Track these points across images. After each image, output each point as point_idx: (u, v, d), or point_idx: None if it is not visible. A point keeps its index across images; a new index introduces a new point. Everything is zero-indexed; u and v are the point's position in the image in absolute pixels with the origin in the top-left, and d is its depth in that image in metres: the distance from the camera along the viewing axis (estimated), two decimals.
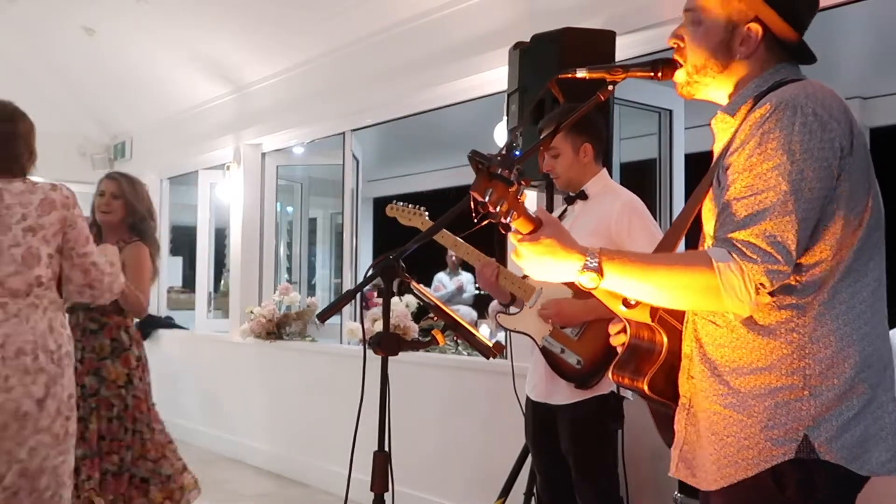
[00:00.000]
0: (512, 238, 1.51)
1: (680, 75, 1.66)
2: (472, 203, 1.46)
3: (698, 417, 1.60)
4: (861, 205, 1.50)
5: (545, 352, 2.89)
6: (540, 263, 1.50)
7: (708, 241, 1.62)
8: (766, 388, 1.49)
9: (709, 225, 1.61)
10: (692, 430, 1.62)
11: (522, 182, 1.43)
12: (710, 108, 1.71)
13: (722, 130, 1.66)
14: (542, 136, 2.94)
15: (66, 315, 2.93)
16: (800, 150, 1.43)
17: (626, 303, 1.61)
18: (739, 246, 1.42)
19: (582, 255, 1.48)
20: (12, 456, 2.58)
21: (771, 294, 1.46)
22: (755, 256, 1.41)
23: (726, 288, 1.42)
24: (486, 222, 1.50)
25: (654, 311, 1.64)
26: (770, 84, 1.57)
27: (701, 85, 1.64)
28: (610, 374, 1.77)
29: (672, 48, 1.69)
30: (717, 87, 1.64)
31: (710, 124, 1.71)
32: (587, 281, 1.48)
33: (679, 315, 1.66)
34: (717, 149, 1.68)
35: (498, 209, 1.43)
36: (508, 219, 1.45)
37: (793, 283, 1.48)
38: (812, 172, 1.43)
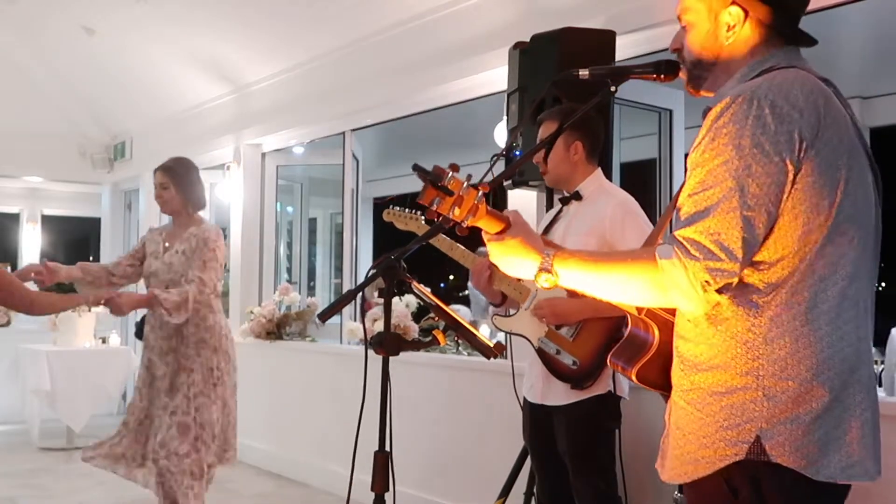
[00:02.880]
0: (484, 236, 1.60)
1: (683, 74, 1.68)
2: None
3: (672, 410, 1.62)
4: (827, 199, 1.44)
5: (541, 353, 2.89)
6: (505, 261, 1.58)
7: None
8: (723, 386, 1.48)
9: None
10: (668, 422, 1.65)
11: (479, 188, 1.51)
12: None
13: None
14: (539, 133, 2.95)
15: None
16: (749, 144, 1.40)
17: None
18: (684, 243, 1.41)
19: (539, 256, 1.54)
20: None
21: (719, 291, 1.43)
22: (697, 254, 1.40)
23: (669, 284, 1.42)
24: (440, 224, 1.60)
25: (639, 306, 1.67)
26: (755, 74, 1.54)
27: (701, 80, 1.65)
28: (608, 360, 1.82)
29: (672, 52, 1.71)
30: (715, 80, 1.63)
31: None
32: (543, 280, 1.53)
33: (672, 309, 1.64)
34: None
35: (451, 213, 1.51)
36: (466, 222, 1.52)
37: (755, 282, 1.45)
38: (761, 168, 1.40)
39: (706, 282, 1.40)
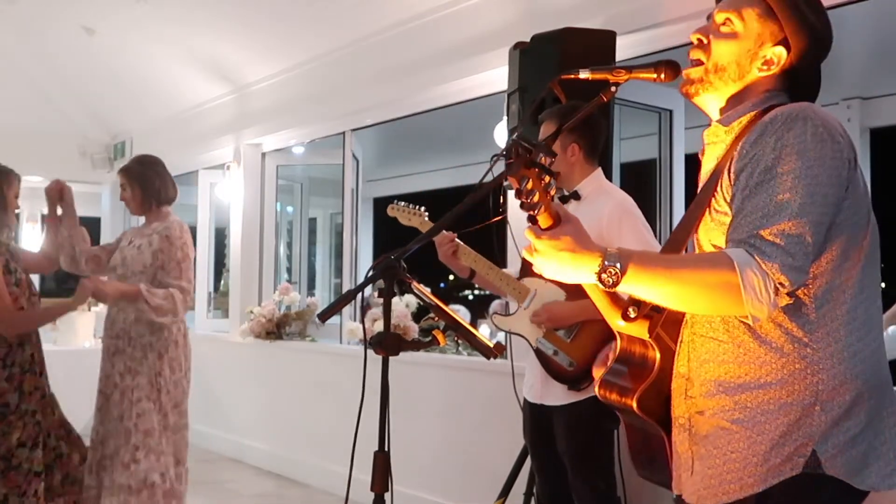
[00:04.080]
0: (528, 234, 1.48)
1: (696, 72, 1.65)
2: (509, 188, 1.44)
3: (699, 436, 1.59)
4: (864, 220, 1.52)
5: (538, 353, 2.91)
6: (557, 261, 1.46)
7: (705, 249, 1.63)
8: (776, 403, 1.48)
9: (705, 236, 1.62)
10: (696, 449, 1.61)
11: (554, 177, 1.41)
12: None
13: (713, 143, 1.67)
14: (540, 133, 2.95)
15: None
16: (814, 156, 1.45)
17: (625, 316, 1.59)
18: (758, 245, 1.42)
19: (601, 253, 1.44)
20: None
21: (789, 295, 1.44)
22: (775, 255, 1.40)
23: (747, 288, 1.40)
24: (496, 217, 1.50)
25: (651, 327, 1.63)
26: (766, 106, 1.59)
27: (712, 87, 1.64)
28: (596, 390, 1.75)
29: (694, 40, 1.67)
30: (720, 95, 1.65)
31: (702, 136, 1.71)
32: (608, 278, 1.43)
33: (674, 334, 1.65)
34: (707, 160, 1.69)
35: (529, 199, 1.40)
36: (536, 211, 1.42)
37: (802, 296, 1.48)
38: (826, 178, 1.45)
39: (781, 283, 1.40)
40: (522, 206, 1.42)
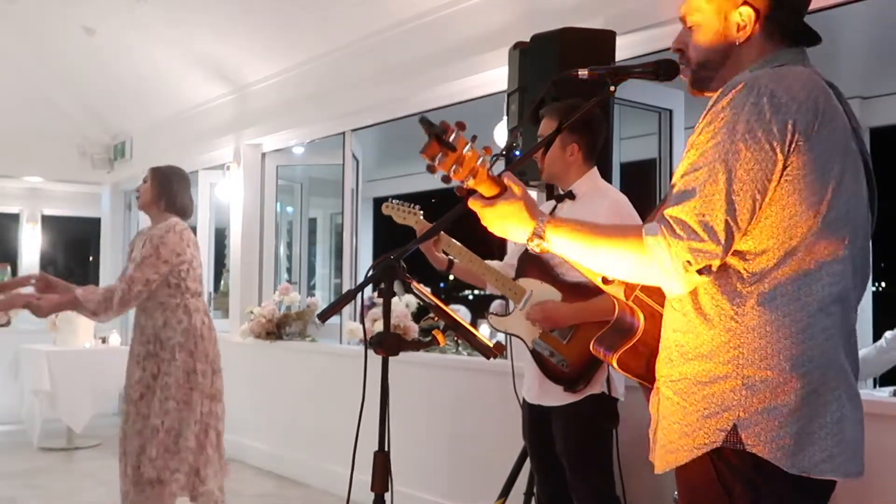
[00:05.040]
0: (471, 203, 1.60)
1: (689, 77, 1.67)
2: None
3: (660, 401, 1.64)
4: (817, 195, 1.45)
5: (535, 354, 2.91)
6: (498, 225, 1.60)
7: None
8: (707, 375, 1.50)
9: None
10: (657, 414, 1.67)
11: (484, 150, 1.51)
12: None
13: None
14: (540, 128, 2.95)
15: None
16: (743, 129, 1.42)
17: (604, 279, 1.67)
18: (670, 221, 1.44)
19: (533, 221, 1.56)
20: None
21: (700, 272, 1.45)
22: (682, 233, 1.42)
23: (653, 261, 1.45)
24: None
25: (628, 291, 1.69)
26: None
27: (707, 80, 1.65)
28: (591, 346, 1.83)
29: (673, 52, 1.70)
30: (722, 80, 1.62)
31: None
32: (534, 245, 1.57)
33: (660, 300, 1.67)
34: None
35: (452, 172, 1.49)
36: (466, 182, 1.52)
37: (741, 270, 1.47)
38: (750, 153, 1.41)
39: (687, 262, 1.42)
40: (444, 178, 1.52)
